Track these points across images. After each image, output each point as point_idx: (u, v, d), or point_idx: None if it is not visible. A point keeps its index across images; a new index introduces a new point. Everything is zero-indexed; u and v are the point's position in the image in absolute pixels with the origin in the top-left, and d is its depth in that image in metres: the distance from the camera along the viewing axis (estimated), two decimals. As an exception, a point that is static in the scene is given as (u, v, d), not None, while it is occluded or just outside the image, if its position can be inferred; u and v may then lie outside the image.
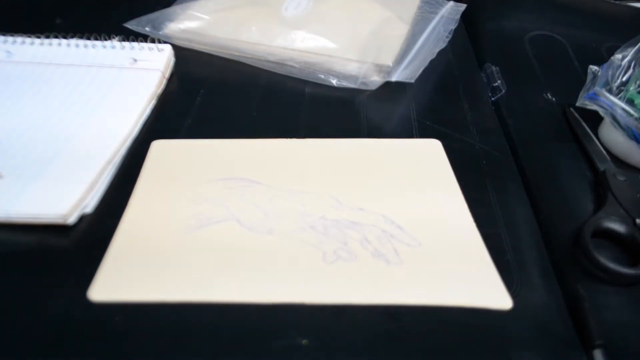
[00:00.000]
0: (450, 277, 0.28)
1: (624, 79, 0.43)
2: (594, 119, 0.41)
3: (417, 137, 0.39)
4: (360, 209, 0.32)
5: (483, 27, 0.56)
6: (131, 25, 0.47)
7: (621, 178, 0.35)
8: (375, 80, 0.43)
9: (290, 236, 0.30)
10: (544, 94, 0.46)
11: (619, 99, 0.40)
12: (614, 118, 0.37)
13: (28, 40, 0.43)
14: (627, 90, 0.41)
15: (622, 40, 0.48)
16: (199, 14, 0.48)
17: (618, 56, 0.46)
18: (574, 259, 0.31)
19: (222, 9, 0.49)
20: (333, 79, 0.44)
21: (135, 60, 0.42)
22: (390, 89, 0.44)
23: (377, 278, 0.27)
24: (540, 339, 0.26)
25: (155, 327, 0.25)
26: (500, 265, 0.29)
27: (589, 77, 0.46)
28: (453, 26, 0.51)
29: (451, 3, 0.53)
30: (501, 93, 0.47)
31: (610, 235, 0.32)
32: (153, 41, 0.45)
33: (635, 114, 0.37)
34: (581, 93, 0.44)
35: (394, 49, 0.45)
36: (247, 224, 0.30)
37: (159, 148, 0.36)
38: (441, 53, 0.48)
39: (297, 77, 0.45)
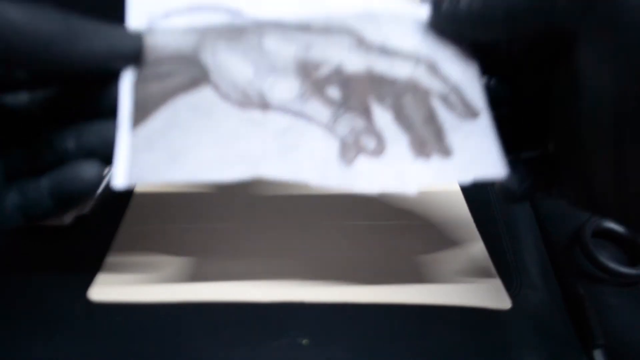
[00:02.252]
0: (449, 277, 0.28)
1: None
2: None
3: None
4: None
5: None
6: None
7: (621, 178, 0.35)
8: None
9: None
10: (544, 94, 0.46)
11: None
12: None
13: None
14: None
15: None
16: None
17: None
18: (574, 259, 0.31)
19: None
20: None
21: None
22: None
23: (377, 277, 0.27)
24: (540, 339, 0.26)
25: (155, 327, 0.25)
26: (500, 265, 0.29)
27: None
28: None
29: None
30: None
31: (610, 235, 0.32)
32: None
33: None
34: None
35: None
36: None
37: None
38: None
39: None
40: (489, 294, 0.27)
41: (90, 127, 0.20)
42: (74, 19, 0.18)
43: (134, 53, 0.20)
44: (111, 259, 0.27)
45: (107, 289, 0.26)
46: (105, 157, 0.20)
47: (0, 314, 0.25)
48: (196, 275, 0.27)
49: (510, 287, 0.28)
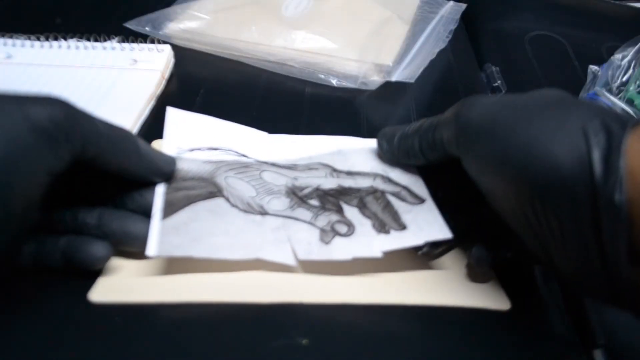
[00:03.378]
0: (449, 278, 0.28)
1: (624, 79, 0.43)
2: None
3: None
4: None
5: (483, 27, 0.56)
6: (131, 25, 0.47)
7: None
8: (375, 80, 0.44)
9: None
10: (544, 94, 0.46)
11: (619, 99, 0.40)
12: (614, 118, 0.37)
13: (28, 42, 0.43)
14: (627, 90, 0.41)
15: (622, 40, 0.48)
16: (199, 14, 0.48)
17: (618, 56, 0.46)
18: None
19: (222, 9, 0.49)
20: (333, 79, 0.44)
21: (135, 61, 0.42)
22: (390, 88, 0.44)
23: (377, 278, 0.27)
24: (540, 339, 0.26)
25: (155, 328, 0.25)
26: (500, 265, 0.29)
27: (589, 77, 0.46)
28: (453, 26, 0.51)
29: (451, 3, 0.53)
30: (501, 93, 0.47)
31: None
32: (153, 41, 0.45)
33: (635, 114, 0.37)
34: (581, 93, 0.44)
35: (393, 48, 0.45)
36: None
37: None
38: (441, 53, 0.48)
39: (297, 77, 0.45)
40: (488, 295, 0.27)
41: (113, 213, 0.26)
42: (140, 142, 0.26)
43: (170, 172, 0.28)
44: (111, 260, 0.27)
45: (107, 291, 0.26)
46: (119, 241, 0.25)
47: (1, 315, 0.25)
48: (196, 276, 0.27)
49: (510, 287, 0.28)
